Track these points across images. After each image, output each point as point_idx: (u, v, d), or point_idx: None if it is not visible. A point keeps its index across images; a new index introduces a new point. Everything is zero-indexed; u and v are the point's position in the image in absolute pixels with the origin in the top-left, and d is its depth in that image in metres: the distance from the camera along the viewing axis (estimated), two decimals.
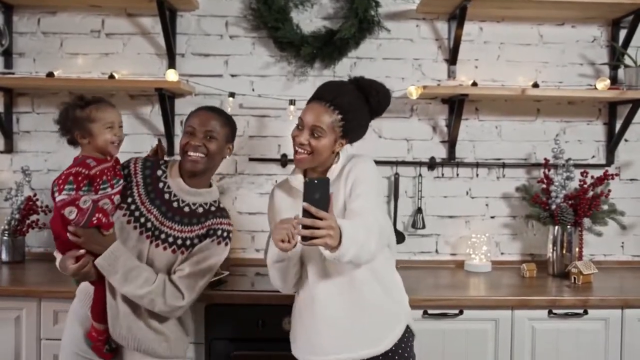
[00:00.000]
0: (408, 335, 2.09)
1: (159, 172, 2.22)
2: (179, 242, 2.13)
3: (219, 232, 2.16)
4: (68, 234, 1.99)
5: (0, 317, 2.55)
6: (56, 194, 1.97)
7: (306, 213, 1.65)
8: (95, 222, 1.98)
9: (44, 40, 3.21)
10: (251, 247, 3.25)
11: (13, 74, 3.12)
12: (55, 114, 2.14)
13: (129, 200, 2.15)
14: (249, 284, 2.78)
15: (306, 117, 2.04)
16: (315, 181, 1.69)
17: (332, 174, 2.06)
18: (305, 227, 1.64)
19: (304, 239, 1.65)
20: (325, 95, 2.05)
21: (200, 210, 2.18)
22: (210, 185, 2.26)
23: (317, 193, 1.67)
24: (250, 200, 3.24)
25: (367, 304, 2.01)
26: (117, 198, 2.10)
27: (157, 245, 2.11)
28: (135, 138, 3.18)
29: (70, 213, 1.94)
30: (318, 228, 1.64)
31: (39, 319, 2.56)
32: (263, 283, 2.82)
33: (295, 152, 2.06)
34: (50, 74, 3.03)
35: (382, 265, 2.05)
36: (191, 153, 2.12)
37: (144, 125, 3.22)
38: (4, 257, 3.03)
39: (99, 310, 2.10)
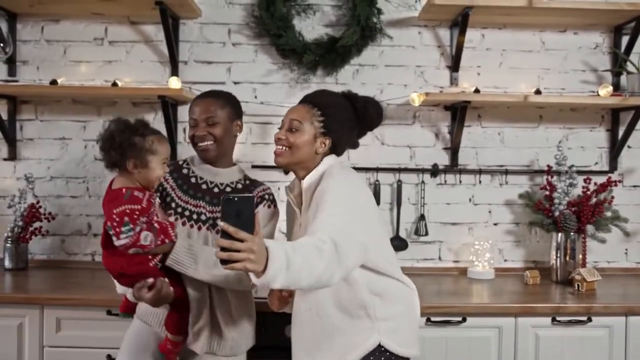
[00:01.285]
0: (380, 355, 1.96)
1: (184, 171, 2.25)
2: None
3: (267, 197, 2.23)
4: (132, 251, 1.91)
5: (3, 324, 2.55)
6: (114, 238, 1.86)
7: (225, 234, 1.47)
8: (160, 243, 1.93)
9: (47, 48, 3.23)
10: None
11: (17, 81, 3.14)
12: (101, 131, 2.00)
13: (173, 205, 2.17)
14: (252, 291, 2.77)
15: (286, 115, 2.08)
16: (236, 198, 1.51)
17: (306, 181, 2.03)
18: (223, 249, 1.46)
19: (222, 262, 1.47)
20: (307, 97, 2.12)
21: (240, 186, 2.24)
22: (233, 165, 2.30)
23: (239, 212, 1.50)
24: None
25: (331, 327, 1.98)
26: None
27: (217, 231, 2.10)
28: None
29: (137, 251, 1.89)
30: (238, 251, 1.46)
31: (41, 326, 2.56)
32: (265, 290, 2.82)
33: (275, 150, 2.07)
34: (53, 82, 3.04)
35: (354, 284, 1.95)
36: (199, 143, 2.16)
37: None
38: (7, 264, 3.03)
39: (176, 322, 2.09)
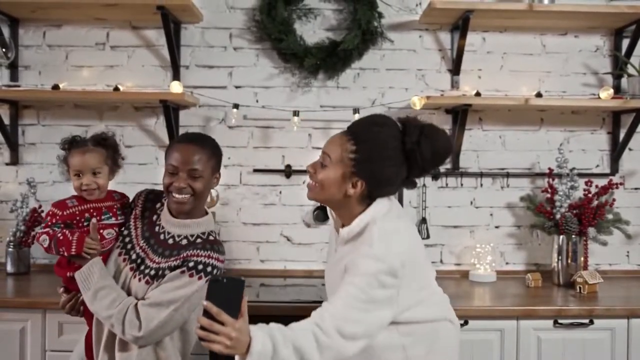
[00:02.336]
0: None
1: (158, 205, 2.14)
2: (152, 272, 1.96)
3: (191, 264, 1.90)
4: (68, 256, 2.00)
5: (5, 329, 2.56)
6: None
7: (207, 312, 1.45)
8: (62, 253, 1.97)
9: (49, 53, 3.23)
10: (256, 258, 3.25)
11: (19, 86, 3.15)
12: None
13: (125, 232, 2.09)
14: (254, 295, 2.78)
15: (324, 145, 1.84)
16: (224, 280, 1.47)
17: (345, 233, 1.82)
18: (203, 327, 1.45)
19: (200, 338, 1.46)
20: (352, 125, 1.84)
21: (184, 242, 2.00)
22: (204, 214, 2.08)
23: (227, 293, 1.47)
24: (255, 211, 3.25)
25: None
26: (110, 232, 2.07)
27: (134, 277, 1.98)
28: (140, 150, 3.20)
29: (46, 252, 2.01)
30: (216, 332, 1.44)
31: (43, 330, 2.56)
32: (268, 294, 2.83)
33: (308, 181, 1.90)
34: (55, 87, 3.05)
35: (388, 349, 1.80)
36: (176, 195, 1.96)
37: (148, 137, 3.23)
38: (9, 268, 3.04)
39: (88, 345, 2.09)
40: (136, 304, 1.90)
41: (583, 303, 2.66)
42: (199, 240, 2.00)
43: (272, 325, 1.58)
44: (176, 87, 3.01)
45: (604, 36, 3.30)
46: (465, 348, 2.56)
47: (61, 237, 1.95)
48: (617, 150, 3.26)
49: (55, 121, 3.23)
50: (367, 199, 1.81)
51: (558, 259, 3.03)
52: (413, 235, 1.86)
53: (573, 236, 3.00)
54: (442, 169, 3.24)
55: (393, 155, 1.75)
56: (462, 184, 3.28)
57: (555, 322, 2.58)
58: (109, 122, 3.23)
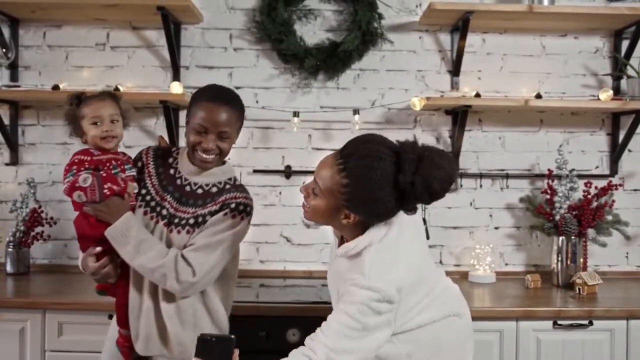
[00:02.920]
0: None
1: (170, 160, 2.12)
2: (192, 221, 1.99)
3: (233, 205, 1.98)
4: (86, 209, 1.92)
5: (5, 329, 2.56)
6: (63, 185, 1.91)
7: None
8: (108, 192, 1.88)
9: (49, 54, 3.24)
10: (255, 258, 3.25)
11: (19, 86, 3.15)
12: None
13: (144, 191, 2.06)
14: (254, 295, 2.78)
15: (317, 167, 1.74)
16: (213, 340, 1.48)
17: (342, 250, 1.77)
18: None
19: None
20: (345, 148, 1.70)
21: (214, 189, 2.04)
22: (223, 163, 2.11)
23: (215, 351, 1.47)
24: (255, 212, 3.23)
25: None
26: (133, 186, 2.01)
27: (171, 231, 1.99)
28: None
29: (80, 197, 1.86)
30: None
31: (43, 330, 2.56)
32: (267, 294, 2.83)
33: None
34: (55, 87, 3.06)
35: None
36: (203, 155, 1.97)
37: (148, 137, 3.23)
38: (9, 268, 3.04)
39: (122, 315, 2.04)
40: (182, 253, 1.93)
41: (582, 304, 2.67)
42: (228, 186, 2.06)
43: None
44: (176, 88, 3.01)
45: (603, 37, 3.30)
46: None
47: (105, 175, 1.89)
48: (616, 151, 3.26)
49: (55, 121, 3.23)
50: (363, 225, 1.73)
51: (557, 260, 3.03)
52: (413, 254, 1.77)
53: (572, 237, 3.00)
54: None
55: (387, 194, 1.62)
56: (461, 185, 3.28)
57: (555, 323, 2.58)
58: None
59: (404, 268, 1.69)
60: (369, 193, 1.61)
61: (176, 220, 2.00)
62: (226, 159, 2.11)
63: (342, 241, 1.88)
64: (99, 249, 1.96)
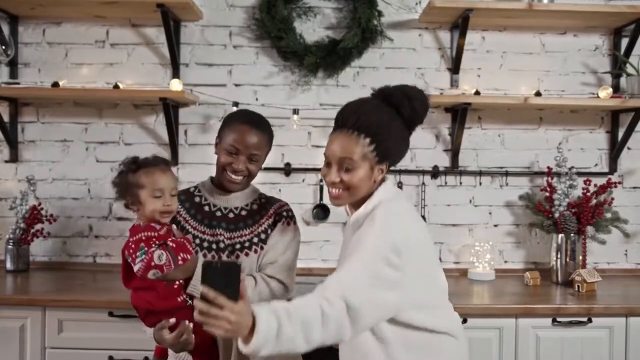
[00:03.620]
0: None
1: (197, 199, 2.11)
2: (255, 240, 2.06)
3: (284, 214, 2.12)
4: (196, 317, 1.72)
5: (5, 326, 2.56)
6: (133, 266, 1.81)
7: (204, 297, 1.41)
8: (181, 262, 1.81)
9: (49, 51, 3.23)
10: None
11: (18, 84, 3.14)
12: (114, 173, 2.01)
13: (190, 237, 2.01)
14: None
15: (331, 150, 1.79)
16: (218, 265, 1.45)
17: (354, 218, 1.83)
18: (202, 312, 1.40)
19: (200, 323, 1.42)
20: (347, 120, 1.79)
21: (255, 207, 2.12)
22: (248, 186, 2.15)
23: (223, 278, 1.43)
24: None
25: None
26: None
27: (237, 257, 2.03)
28: (140, 147, 3.19)
29: (155, 274, 1.79)
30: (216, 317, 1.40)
31: (43, 327, 2.56)
32: None
33: (329, 191, 1.84)
34: (55, 84, 3.06)
35: (387, 344, 1.75)
36: (232, 176, 2.02)
37: (148, 135, 3.24)
38: (9, 265, 3.04)
39: None
40: (265, 273, 2.03)
41: (581, 301, 2.67)
42: (263, 200, 2.16)
43: (275, 303, 1.54)
44: (176, 85, 3.01)
45: (603, 35, 3.30)
46: None
47: (174, 245, 1.82)
48: (615, 149, 3.27)
49: (54, 119, 3.23)
50: (383, 184, 1.87)
51: (557, 258, 3.04)
52: (418, 221, 1.84)
53: (572, 235, 3.00)
54: (441, 167, 3.25)
55: (400, 129, 1.81)
56: (461, 183, 3.28)
57: (554, 320, 2.59)
58: (109, 120, 3.23)
59: (411, 225, 1.77)
60: (388, 135, 1.78)
61: (238, 246, 2.05)
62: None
63: None
64: (173, 320, 1.88)
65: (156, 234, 1.85)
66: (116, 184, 1.95)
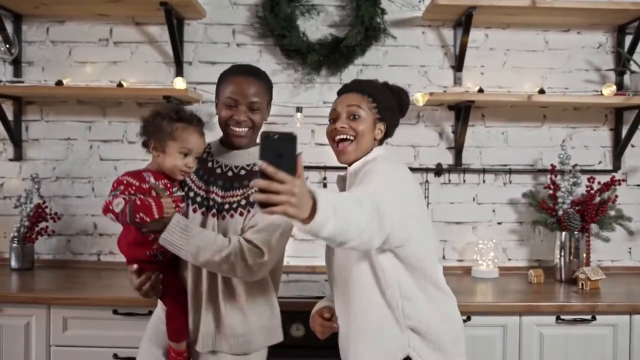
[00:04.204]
0: None
1: (205, 155, 2.11)
2: (243, 202, 1.99)
3: None
4: (142, 232, 1.90)
5: (10, 324, 2.57)
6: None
7: (263, 174, 1.33)
8: (139, 221, 1.81)
9: (52, 49, 3.24)
10: None
11: (22, 82, 3.15)
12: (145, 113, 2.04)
13: (186, 189, 2.05)
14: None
15: (340, 105, 1.97)
16: (276, 136, 1.37)
17: (353, 167, 1.94)
18: (262, 191, 1.33)
19: (261, 205, 1.34)
20: (351, 86, 2.03)
21: (243, 172, 2.05)
22: (255, 144, 2.10)
23: (279, 151, 1.36)
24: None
25: (358, 331, 1.88)
26: (170, 206, 1.89)
27: (224, 217, 1.99)
28: None
29: (112, 218, 1.84)
30: (277, 193, 1.32)
31: (48, 325, 2.57)
32: None
33: (337, 145, 1.95)
34: (59, 83, 3.06)
35: (386, 278, 1.84)
36: (235, 128, 1.99)
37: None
38: (13, 264, 3.05)
39: (174, 328, 2.01)
40: (244, 237, 1.92)
41: (585, 299, 2.67)
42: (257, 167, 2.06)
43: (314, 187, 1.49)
44: (179, 83, 3.01)
45: (606, 33, 3.30)
46: (468, 344, 2.54)
47: (139, 203, 1.81)
48: (619, 146, 3.26)
49: (58, 117, 3.24)
50: (378, 146, 2.02)
51: (560, 255, 3.03)
52: (416, 182, 1.92)
53: (575, 232, 3.00)
54: (444, 165, 3.25)
55: (393, 101, 2.03)
56: (464, 180, 3.28)
57: (558, 318, 2.59)
58: (113, 118, 3.24)
59: (410, 178, 1.87)
60: (387, 103, 2.00)
61: (226, 207, 2.00)
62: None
63: None
64: (135, 266, 1.96)
65: (138, 184, 1.89)
66: (147, 123, 1.98)
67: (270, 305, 2.09)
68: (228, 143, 2.06)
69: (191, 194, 2.05)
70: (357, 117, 1.93)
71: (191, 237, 1.86)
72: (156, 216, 1.82)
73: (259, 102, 1.99)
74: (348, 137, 1.93)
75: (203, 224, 2.00)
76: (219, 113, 2.02)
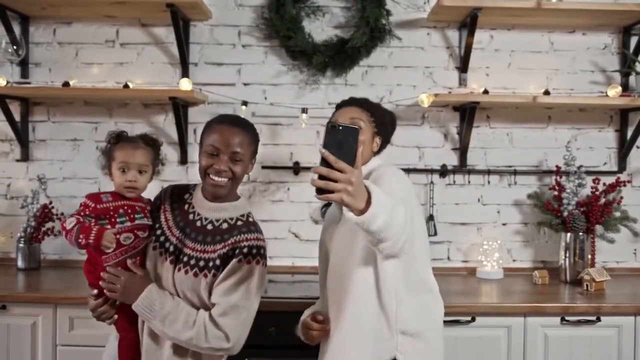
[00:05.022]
0: None
1: (186, 196, 2.07)
2: (201, 263, 1.91)
3: (245, 250, 1.90)
4: (101, 283, 1.94)
5: (17, 324, 2.58)
6: None
7: (324, 162, 1.40)
8: (83, 242, 1.85)
9: (59, 50, 3.26)
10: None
11: (29, 83, 3.16)
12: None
13: (157, 226, 2.02)
14: (262, 290, 2.79)
15: (341, 117, 2.04)
16: (340, 127, 1.45)
17: None
18: (321, 177, 1.39)
19: (318, 191, 1.40)
20: (351, 101, 2.14)
21: (225, 226, 1.96)
22: (237, 198, 2.04)
23: (342, 141, 1.43)
24: (263, 208, 3.26)
25: (358, 328, 1.90)
26: (110, 237, 1.90)
27: (179, 270, 1.92)
28: None
29: (65, 236, 1.90)
30: (335, 181, 1.39)
31: (54, 325, 2.58)
32: (276, 290, 2.85)
33: None
34: (65, 84, 3.08)
35: (385, 279, 1.88)
36: (215, 178, 1.91)
37: (157, 134, 3.23)
38: (20, 264, 3.06)
39: (124, 357, 1.99)
40: (210, 316, 1.87)
41: (590, 300, 2.67)
42: (239, 222, 1.98)
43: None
44: (185, 84, 3.02)
45: (612, 34, 3.30)
46: (472, 345, 2.57)
47: (86, 225, 1.87)
48: (624, 148, 3.26)
49: (65, 118, 3.26)
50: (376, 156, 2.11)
51: (565, 256, 3.03)
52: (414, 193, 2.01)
53: (580, 234, 3.00)
54: (449, 166, 3.25)
55: (388, 120, 2.15)
56: (469, 181, 3.28)
57: (563, 319, 2.59)
58: (119, 119, 3.25)
59: (410, 186, 1.96)
60: (384, 118, 2.12)
61: (184, 258, 1.94)
62: (240, 194, 2.07)
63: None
64: (95, 291, 1.99)
65: (94, 205, 1.94)
66: (102, 152, 2.06)
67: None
68: (208, 193, 1.99)
69: (158, 232, 2.01)
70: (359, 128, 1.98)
71: (157, 314, 1.87)
72: (90, 241, 1.86)
73: (241, 153, 1.92)
74: None
75: (162, 270, 1.96)
76: (200, 161, 1.96)
